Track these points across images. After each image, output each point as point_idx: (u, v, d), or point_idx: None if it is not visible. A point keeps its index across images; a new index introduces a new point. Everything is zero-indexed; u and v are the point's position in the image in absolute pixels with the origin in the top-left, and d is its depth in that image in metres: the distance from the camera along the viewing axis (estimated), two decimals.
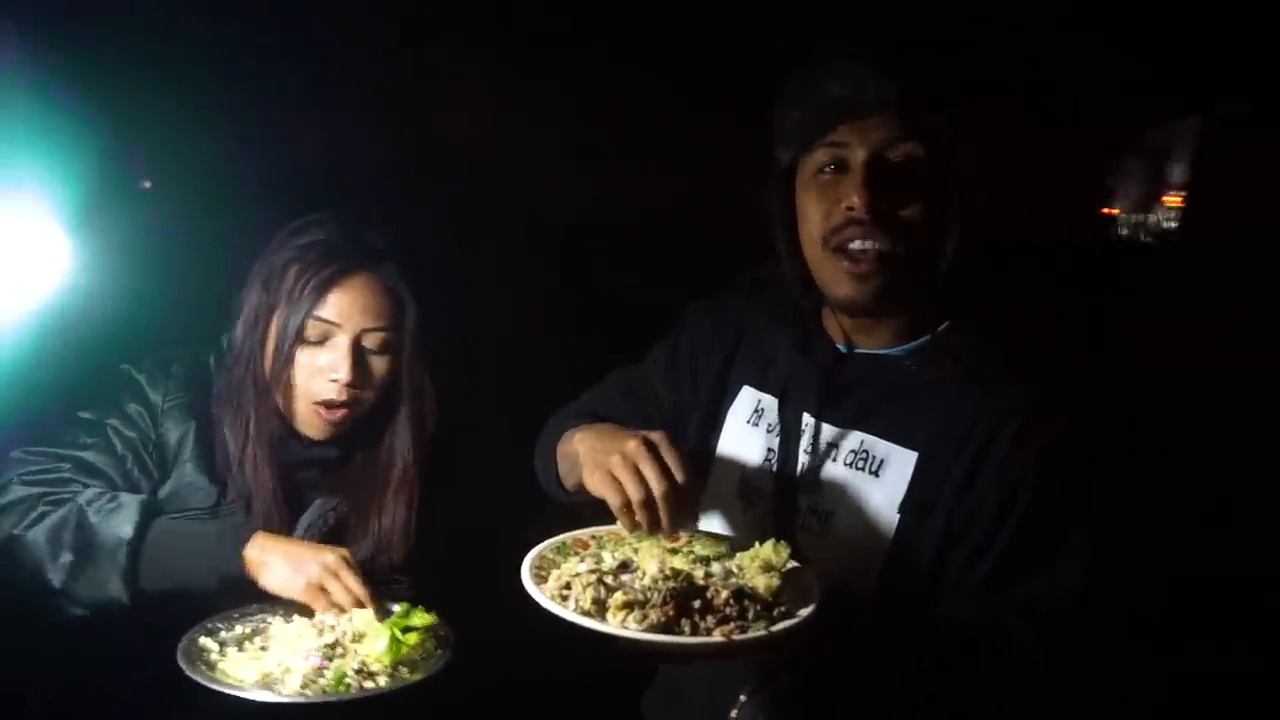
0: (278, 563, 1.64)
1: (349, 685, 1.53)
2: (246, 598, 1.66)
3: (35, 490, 1.65)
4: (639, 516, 1.34)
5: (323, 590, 1.64)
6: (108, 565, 1.60)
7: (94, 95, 1.72)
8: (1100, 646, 1.37)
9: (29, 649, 1.63)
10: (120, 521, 1.62)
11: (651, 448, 1.35)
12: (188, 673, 1.51)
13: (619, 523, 1.37)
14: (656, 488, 1.32)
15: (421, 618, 1.62)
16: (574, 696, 1.95)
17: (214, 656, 1.58)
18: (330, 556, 1.66)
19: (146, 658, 1.56)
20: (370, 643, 1.60)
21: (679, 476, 1.34)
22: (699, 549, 1.43)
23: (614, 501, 1.35)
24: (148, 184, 1.79)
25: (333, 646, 1.59)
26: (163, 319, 1.91)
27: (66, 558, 1.60)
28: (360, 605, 1.65)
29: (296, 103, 2.01)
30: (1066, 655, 1.36)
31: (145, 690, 1.56)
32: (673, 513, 1.33)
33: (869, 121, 1.38)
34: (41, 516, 1.63)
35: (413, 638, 1.60)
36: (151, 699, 1.56)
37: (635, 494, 1.33)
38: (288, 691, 1.52)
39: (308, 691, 1.52)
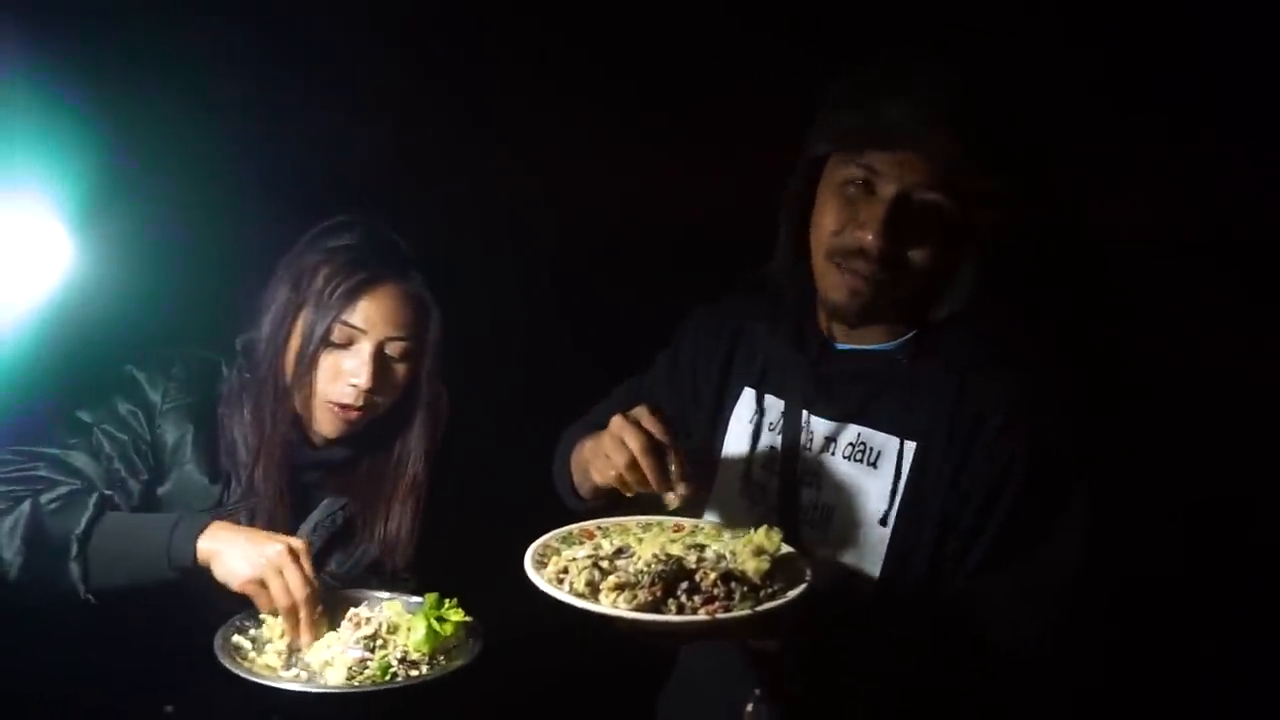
0: (227, 552, 1.60)
1: (395, 674, 1.57)
2: (214, 593, 1.64)
3: (1, 489, 1.65)
4: (628, 479, 1.40)
5: (263, 586, 1.60)
6: (59, 559, 1.59)
7: (96, 93, 1.69)
8: (1095, 627, 1.43)
9: (58, 651, 1.62)
10: (72, 516, 1.62)
11: (632, 419, 1.41)
12: (230, 669, 1.53)
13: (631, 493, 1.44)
14: (635, 446, 1.38)
15: (455, 613, 1.65)
16: (588, 698, 1.98)
17: (251, 653, 1.61)
18: (277, 548, 1.60)
19: (185, 655, 1.59)
20: (405, 633, 1.64)
21: (659, 436, 1.39)
22: (700, 538, 1.49)
23: (611, 477, 1.42)
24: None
25: (372, 638, 1.63)
26: (165, 319, 1.90)
27: (20, 553, 1.60)
28: (293, 613, 1.60)
29: (306, 103, 2.00)
30: (1062, 636, 1.40)
31: (188, 689, 1.57)
32: (656, 467, 1.38)
33: (910, 157, 1.36)
34: (0, 514, 1.63)
35: (449, 627, 1.64)
36: (193, 697, 1.57)
37: (619, 460, 1.39)
38: (333, 684, 1.56)
39: (355, 683, 1.56)
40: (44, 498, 1.64)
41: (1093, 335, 1.88)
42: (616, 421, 1.41)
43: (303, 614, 1.61)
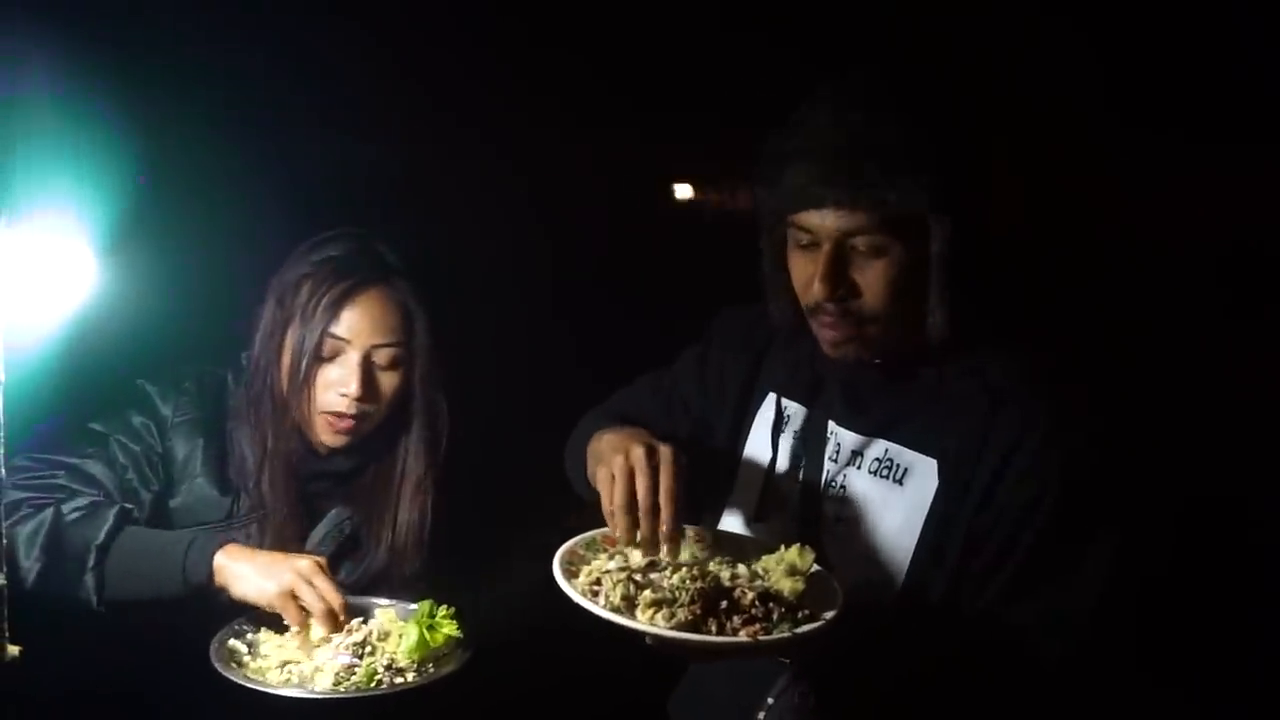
0: (249, 570, 1.63)
1: (381, 681, 1.58)
2: (225, 609, 1.67)
3: (23, 495, 1.69)
4: (618, 521, 1.38)
5: (294, 597, 1.63)
6: (76, 569, 1.62)
7: (118, 113, 1.75)
8: (1119, 657, 1.40)
9: (58, 653, 1.66)
10: (92, 527, 1.64)
11: (652, 457, 1.38)
12: (223, 673, 1.55)
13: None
14: (642, 501, 1.36)
15: (448, 623, 1.66)
16: (602, 700, 1.98)
17: (245, 658, 1.63)
18: (304, 562, 1.65)
19: (179, 660, 1.60)
20: (396, 640, 1.65)
21: (666, 493, 1.37)
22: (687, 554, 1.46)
23: (604, 503, 1.40)
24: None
25: (361, 644, 1.64)
26: (184, 335, 1.94)
27: (38, 559, 1.62)
28: (332, 615, 1.64)
29: (319, 119, 2.05)
30: (1085, 665, 1.38)
31: (180, 693, 1.60)
32: (651, 526, 1.37)
33: (831, 211, 1.39)
34: (22, 519, 1.66)
35: (439, 636, 1.64)
36: (186, 701, 1.60)
37: (618, 499, 1.37)
38: (321, 689, 1.57)
39: (341, 689, 1.57)
40: (65, 507, 1.67)
41: (1115, 352, 1.84)
42: (638, 454, 1.38)
43: (341, 617, 1.64)
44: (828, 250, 1.40)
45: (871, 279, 1.41)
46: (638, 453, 1.38)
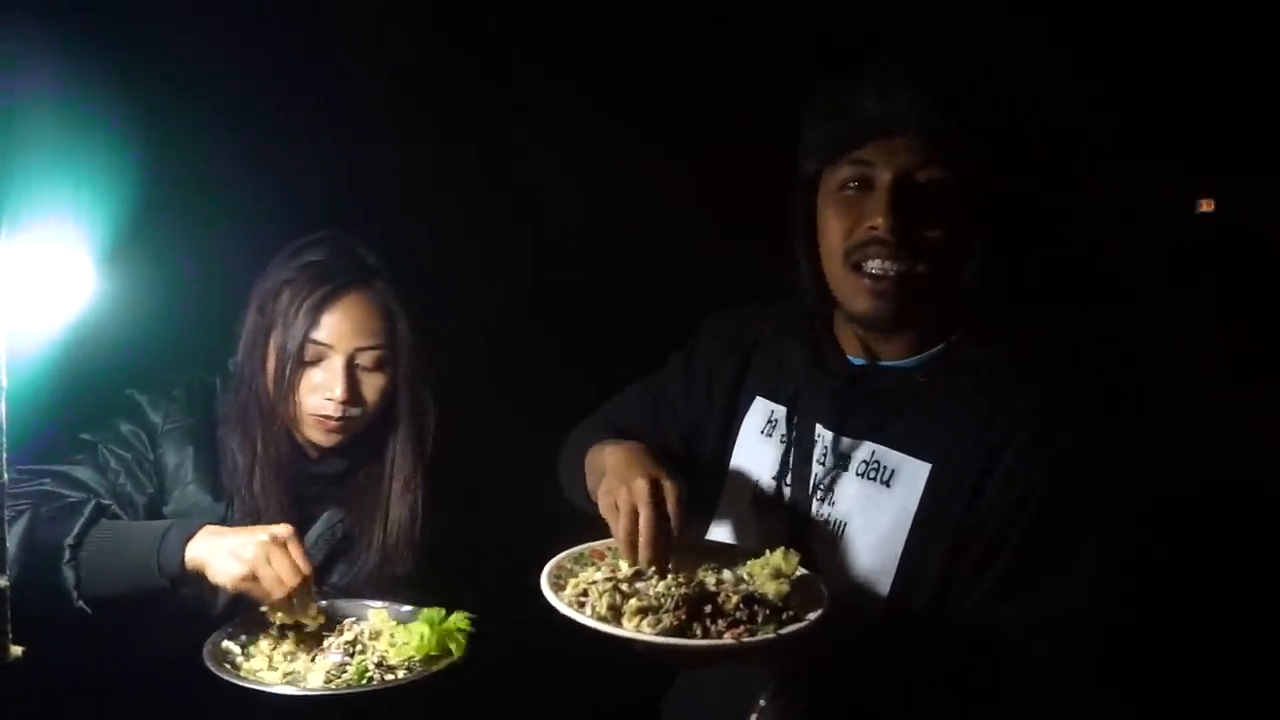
0: (219, 553, 1.60)
1: (371, 679, 1.59)
2: (211, 600, 1.67)
3: (9, 502, 1.67)
4: (624, 552, 1.39)
5: (255, 579, 1.58)
6: (53, 565, 1.61)
7: (109, 120, 1.76)
8: (1107, 657, 1.40)
9: (54, 653, 1.69)
10: (66, 523, 1.64)
11: (656, 491, 1.38)
12: (215, 673, 1.56)
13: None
14: (645, 534, 1.37)
15: (458, 620, 1.65)
16: (593, 702, 2.00)
17: (238, 659, 1.64)
18: (264, 535, 1.60)
19: (174, 661, 1.61)
20: (387, 640, 1.67)
21: (672, 524, 1.38)
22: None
23: (614, 532, 1.41)
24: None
25: (353, 643, 1.66)
26: (177, 342, 1.94)
27: (17, 559, 1.61)
28: (292, 591, 1.60)
29: (304, 123, 2.07)
30: (1073, 666, 1.38)
31: (174, 693, 1.62)
32: (657, 557, 1.37)
33: (898, 141, 1.39)
34: (7, 524, 1.66)
35: (441, 639, 1.65)
36: (180, 701, 1.62)
37: (624, 535, 1.38)
38: (312, 687, 1.59)
39: (332, 686, 1.58)
40: (44, 508, 1.67)
41: (1106, 352, 1.87)
42: (640, 487, 1.38)
43: (295, 600, 1.61)
44: (889, 181, 1.40)
45: (928, 212, 1.40)
46: (639, 485, 1.38)
